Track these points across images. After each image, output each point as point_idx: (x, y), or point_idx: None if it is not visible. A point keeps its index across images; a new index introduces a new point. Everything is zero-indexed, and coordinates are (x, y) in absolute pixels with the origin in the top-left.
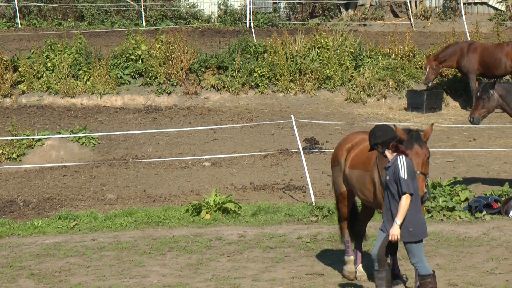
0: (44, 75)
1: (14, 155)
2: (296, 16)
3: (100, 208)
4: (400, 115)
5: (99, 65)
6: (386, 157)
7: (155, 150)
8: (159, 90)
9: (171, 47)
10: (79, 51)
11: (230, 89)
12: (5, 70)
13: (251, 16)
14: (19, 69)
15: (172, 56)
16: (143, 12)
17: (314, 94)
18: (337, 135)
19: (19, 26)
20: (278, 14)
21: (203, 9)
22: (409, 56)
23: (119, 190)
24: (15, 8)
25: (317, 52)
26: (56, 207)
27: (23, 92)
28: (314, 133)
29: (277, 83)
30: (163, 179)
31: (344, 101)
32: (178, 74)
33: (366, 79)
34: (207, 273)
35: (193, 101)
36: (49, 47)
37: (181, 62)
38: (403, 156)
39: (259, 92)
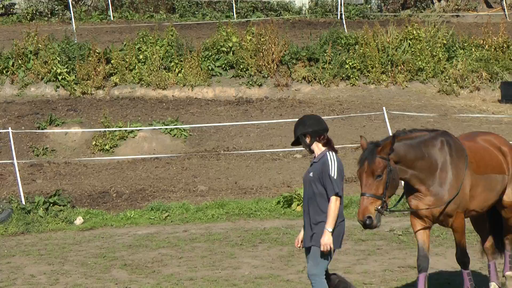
0: (136, 67)
1: (107, 147)
2: (388, 7)
3: (191, 199)
4: (494, 107)
5: (191, 57)
6: (312, 152)
7: (246, 142)
8: (250, 82)
9: (262, 39)
10: (171, 43)
11: (321, 81)
12: (98, 63)
13: (343, 8)
14: (112, 61)
15: (263, 48)
16: (234, 4)
17: (406, 86)
18: (430, 127)
19: (112, 18)
20: (369, 6)
21: (294, 1)
22: (503, 48)
23: (210, 182)
24: (108, 1)
25: (409, 43)
26: (148, 198)
27: (116, 84)
28: (406, 125)
29: (368, 75)
30: (254, 171)
31: (437, 93)
32: (269, 66)
33: (459, 70)
34: (298, 265)
35: (284, 93)
36: (141, 39)
37: (272, 54)
38: (333, 152)
39: (350, 84)
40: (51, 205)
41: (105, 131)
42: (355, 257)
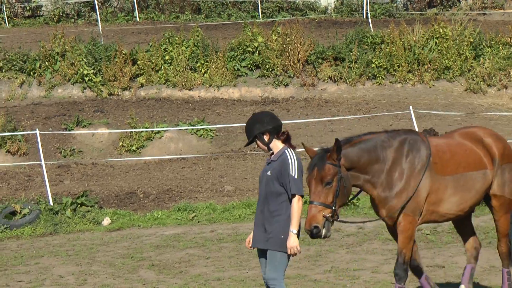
0: (162, 68)
1: (134, 147)
2: (414, 6)
3: (218, 199)
4: None
5: (216, 57)
6: (270, 150)
7: None
8: (276, 82)
9: (287, 39)
10: (197, 43)
11: (347, 80)
12: (124, 64)
13: (368, 7)
14: (138, 62)
15: (289, 47)
16: (259, 4)
17: (433, 85)
18: (457, 126)
19: (138, 19)
20: (395, 4)
21: (320, 0)
22: None
23: (237, 182)
24: (134, 2)
25: (436, 42)
26: (175, 199)
27: (142, 85)
28: (433, 124)
29: (394, 74)
30: None
31: (464, 91)
32: (295, 66)
33: (486, 69)
34: (326, 265)
35: (310, 92)
36: (167, 40)
37: (298, 54)
38: (292, 150)
39: (377, 83)
40: (79, 206)
41: (131, 132)
42: (382, 257)
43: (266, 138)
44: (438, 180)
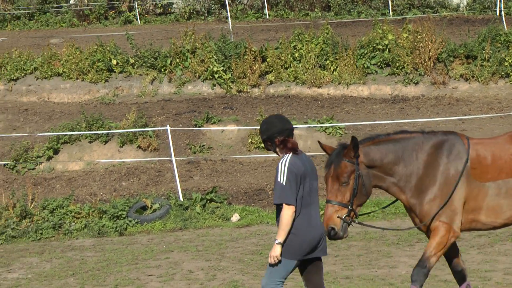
0: (292, 65)
1: (263, 145)
2: None
3: None
4: None
5: (346, 55)
6: (279, 155)
7: None
8: (406, 80)
9: (418, 37)
10: (326, 41)
11: (479, 79)
12: (254, 61)
13: (502, 4)
14: (267, 60)
15: (420, 45)
16: (390, 2)
17: None
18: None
19: (267, 17)
20: None
21: None
22: None
23: None
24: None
25: None
26: None
27: (271, 82)
28: None
29: None
30: None
31: None
32: (425, 64)
33: None
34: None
35: (441, 91)
36: (296, 37)
37: (429, 52)
38: (290, 155)
39: (510, 81)
40: (208, 201)
41: None
42: None
43: (269, 146)
44: (477, 187)
